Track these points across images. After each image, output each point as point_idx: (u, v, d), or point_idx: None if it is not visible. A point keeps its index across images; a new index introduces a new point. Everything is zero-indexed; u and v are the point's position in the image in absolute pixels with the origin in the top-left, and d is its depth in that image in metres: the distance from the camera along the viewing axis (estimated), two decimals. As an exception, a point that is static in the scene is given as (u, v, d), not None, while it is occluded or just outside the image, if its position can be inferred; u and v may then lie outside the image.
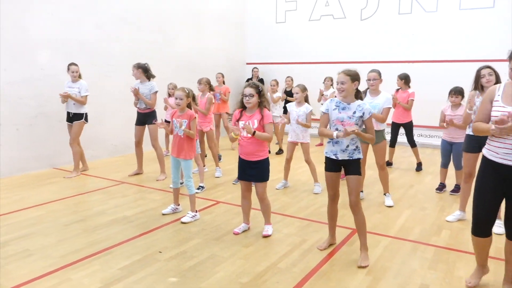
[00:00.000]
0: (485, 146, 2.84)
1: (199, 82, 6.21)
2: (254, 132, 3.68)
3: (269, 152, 7.80)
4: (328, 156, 3.47)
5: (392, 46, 9.48)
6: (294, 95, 5.61)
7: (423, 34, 9.12)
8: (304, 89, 5.62)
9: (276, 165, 7.00)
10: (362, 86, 3.84)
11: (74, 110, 6.16)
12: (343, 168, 3.46)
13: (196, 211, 4.45)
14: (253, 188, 4.07)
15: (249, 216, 4.20)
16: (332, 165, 3.47)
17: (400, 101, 6.87)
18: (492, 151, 2.73)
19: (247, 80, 10.63)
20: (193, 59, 9.68)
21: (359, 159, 3.42)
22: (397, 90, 7.04)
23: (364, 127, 3.44)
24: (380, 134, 4.87)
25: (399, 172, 6.82)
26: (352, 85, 3.33)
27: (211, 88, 6.18)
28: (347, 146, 3.36)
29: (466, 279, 3.09)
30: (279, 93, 8.05)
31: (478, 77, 4.24)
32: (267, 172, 3.92)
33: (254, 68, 10.56)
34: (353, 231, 4.10)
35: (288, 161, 5.70)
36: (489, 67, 4.20)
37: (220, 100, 8.28)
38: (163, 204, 4.87)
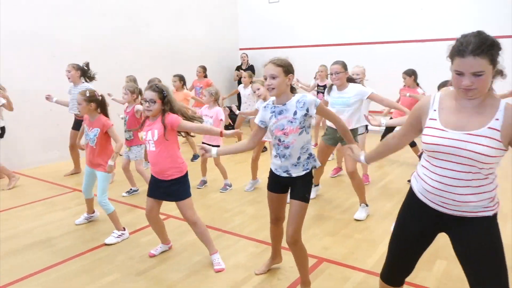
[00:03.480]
0: (414, 174, 2.00)
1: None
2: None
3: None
4: (276, 173, 2.64)
5: (401, 22, 8.35)
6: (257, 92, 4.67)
7: (436, 9, 7.96)
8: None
9: (244, 167, 6.14)
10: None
11: None
12: (290, 191, 2.65)
13: (124, 229, 3.72)
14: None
15: (166, 235, 3.44)
16: (278, 183, 2.66)
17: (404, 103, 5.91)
18: (423, 189, 1.89)
19: (237, 68, 9.74)
20: (174, 47, 8.75)
21: (312, 169, 2.62)
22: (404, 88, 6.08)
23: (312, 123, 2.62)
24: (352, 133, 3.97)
25: (399, 172, 5.84)
26: (286, 80, 2.46)
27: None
28: (298, 158, 2.54)
29: None
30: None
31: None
32: (186, 188, 3.10)
33: (243, 54, 9.64)
34: (318, 260, 3.24)
35: (255, 160, 5.01)
36: None
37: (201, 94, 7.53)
38: (104, 220, 4.10)
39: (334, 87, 4.15)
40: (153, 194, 3.14)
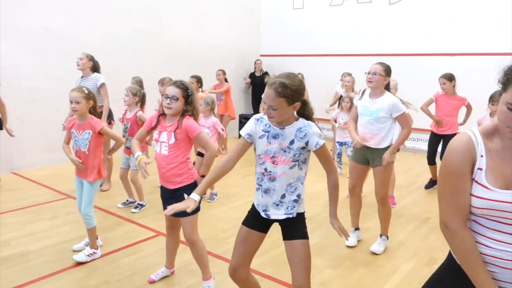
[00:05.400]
0: None
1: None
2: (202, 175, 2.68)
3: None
4: (256, 208, 2.21)
5: (428, 35, 7.84)
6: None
7: (467, 21, 7.42)
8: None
9: (252, 180, 5.77)
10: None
11: None
12: (281, 229, 2.20)
13: (97, 248, 3.40)
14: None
15: (174, 259, 3.13)
16: (257, 220, 2.19)
17: (441, 112, 5.39)
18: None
19: (251, 75, 9.44)
20: (193, 50, 8.56)
21: (302, 213, 2.16)
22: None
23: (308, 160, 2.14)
24: (381, 152, 3.49)
25: (416, 196, 5.34)
26: (289, 109, 1.99)
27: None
28: (283, 196, 2.09)
29: None
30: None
31: None
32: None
33: (257, 60, 9.35)
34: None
35: None
36: None
37: (222, 100, 7.51)
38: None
39: (367, 92, 3.53)
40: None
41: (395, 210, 4.72)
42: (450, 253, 1.53)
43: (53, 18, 6.32)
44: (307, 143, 2.02)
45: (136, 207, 4.50)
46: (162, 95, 5.17)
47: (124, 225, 4.15)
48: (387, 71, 3.42)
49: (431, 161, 5.55)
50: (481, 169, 1.31)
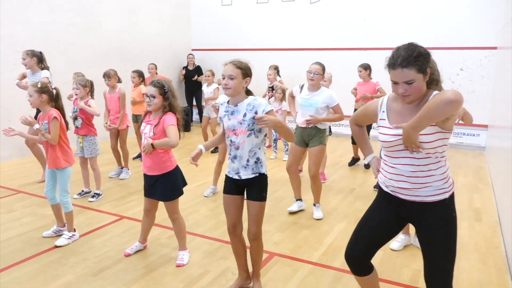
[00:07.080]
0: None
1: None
2: (152, 144, 3.04)
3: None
4: (229, 175, 2.75)
5: (344, 31, 8.83)
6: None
7: (377, 19, 8.51)
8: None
9: (210, 165, 6.27)
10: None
11: None
12: (246, 191, 2.74)
13: (75, 230, 3.71)
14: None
15: (147, 235, 3.54)
16: (233, 185, 2.73)
17: (363, 95, 6.18)
18: (386, 179, 2.18)
19: (184, 68, 9.81)
20: (126, 45, 8.68)
21: (264, 175, 2.71)
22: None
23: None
24: (317, 135, 4.20)
25: (342, 172, 6.22)
26: (243, 82, 2.58)
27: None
28: (247, 160, 2.64)
29: None
30: (217, 85, 7.24)
31: None
32: (176, 188, 3.26)
33: (189, 54, 9.75)
34: (269, 255, 3.44)
35: (221, 163, 4.98)
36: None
37: None
38: (54, 222, 4.04)
39: (305, 86, 4.20)
40: (147, 194, 3.30)
41: (326, 185, 5.51)
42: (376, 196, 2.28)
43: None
44: (256, 112, 2.53)
45: (93, 196, 4.74)
46: (109, 87, 5.47)
47: (85, 213, 4.40)
48: (324, 69, 4.18)
49: (354, 140, 6.44)
50: (383, 119, 2.09)
